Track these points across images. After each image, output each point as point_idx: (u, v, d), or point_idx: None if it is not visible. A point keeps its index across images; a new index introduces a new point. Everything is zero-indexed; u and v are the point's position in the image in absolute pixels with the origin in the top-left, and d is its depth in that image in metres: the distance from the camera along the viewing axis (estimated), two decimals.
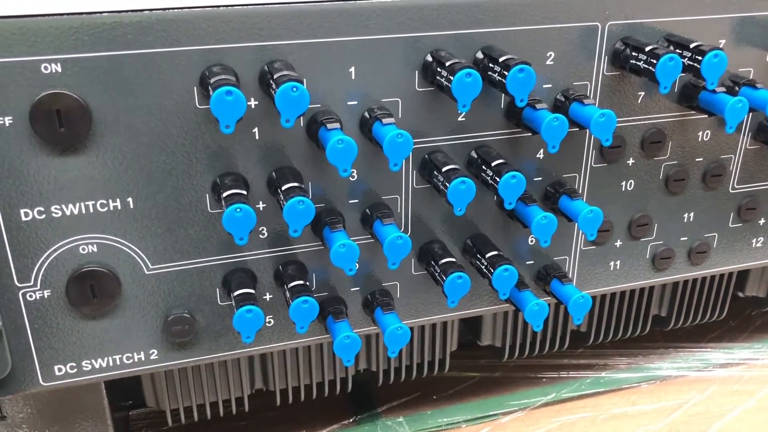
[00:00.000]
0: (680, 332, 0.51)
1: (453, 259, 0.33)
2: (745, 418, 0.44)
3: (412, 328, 0.39)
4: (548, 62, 0.32)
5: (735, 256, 0.40)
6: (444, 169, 0.30)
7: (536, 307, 0.33)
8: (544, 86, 0.33)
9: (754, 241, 0.40)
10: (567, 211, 0.34)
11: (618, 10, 0.32)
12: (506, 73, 0.28)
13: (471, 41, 0.31)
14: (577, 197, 0.33)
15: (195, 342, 0.33)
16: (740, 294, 0.48)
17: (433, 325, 0.40)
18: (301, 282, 0.31)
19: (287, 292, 0.31)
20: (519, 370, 0.48)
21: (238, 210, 0.27)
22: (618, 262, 0.38)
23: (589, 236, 0.33)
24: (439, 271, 0.32)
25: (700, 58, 0.31)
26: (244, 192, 0.28)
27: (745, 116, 0.36)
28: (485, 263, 0.33)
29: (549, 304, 0.40)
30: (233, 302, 0.30)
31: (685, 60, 0.32)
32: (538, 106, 0.31)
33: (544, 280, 0.36)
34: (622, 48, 0.32)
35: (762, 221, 0.40)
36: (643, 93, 0.34)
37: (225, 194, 0.28)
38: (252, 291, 0.31)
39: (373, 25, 0.29)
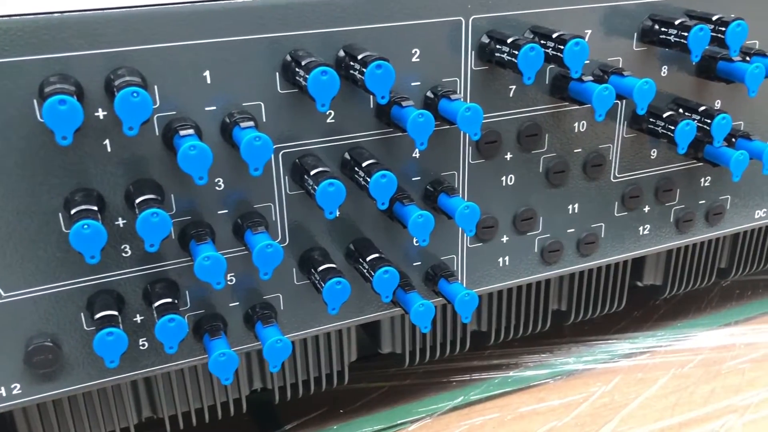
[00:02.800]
0: (587, 326, 0.51)
1: (332, 265, 0.32)
2: (648, 405, 0.44)
3: (305, 340, 0.38)
4: (414, 59, 0.32)
5: (624, 245, 0.41)
6: (313, 173, 0.30)
7: (421, 308, 0.33)
8: (413, 84, 0.32)
9: (641, 228, 0.41)
10: (446, 209, 0.33)
11: (480, 3, 0.32)
12: (365, 70, 0.28)
13: (333, 40, 0.30)
14: (454, 194, 0.33)
15: (63, 372, 0.31)
16: (639, 283, 0.49)
17: (328, 336, 0.39)
18: (169, 300, 0.29)
19: (154, 312, 0.29)
20: (428, 376, 0.47)
21: (86, 227, 0.25)
22: (507, 258, 0.38)
23: (468, 232, 0.32)
24: (318, 278, 0.31)
25: (562, 47, 0.31)
26: (94, 208, 0.27)
27: (613, 104, 0.37)
28: (366, 267, 0.32)
29: (443, 306, 0.40)
30: (95, 326, 0.28)
31: (548, 50, 0.32)
32: (404, 103, 0.30)
33: (432, 280, 0.36)
34: (488, 41, 0.32)
35: (647, 209, 0.40)
36: (514, 86, 0.34)
37: (73, 211, 0.27)
38: (115, 313, 0.29)
39: (225, 28, 0.28)
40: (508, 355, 0.49)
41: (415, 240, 0.35)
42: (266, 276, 0.29)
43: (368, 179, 0.30)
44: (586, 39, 0.35)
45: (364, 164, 0.30)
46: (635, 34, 0.36)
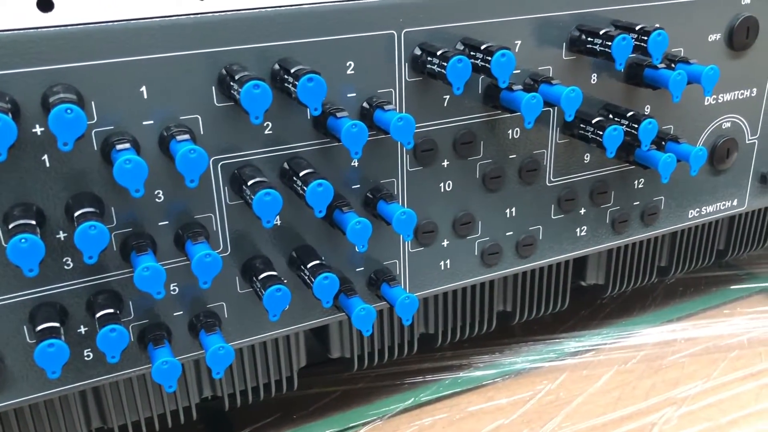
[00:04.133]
0: (536, 325, 0.53)
1: (273, 273, 0.33)
2: (592, 401, 0.45)
3: (253, 347, 0.39)
4: (349, 71, 0.33)
5: (562, 246, 0.42)
6: (250, 183, 0.30)
7: (363, 312, 0.34)
8: (349, 95, 0.33)
9: (578, 230, 0.42)
10: (384, 215, 0.34)
11: (411, 17, 0.33)
12: (297, 83, 0.29)
13: (269, 54, 0.31)
14: (393, 201, 0.34)
15: (7, 385, 0.31)
16: (582, 283, 0.51)
17: (276, 342, 0.39)
18: (111, 311, 0.30)
19: (96, 322, 0.30)
20: (380, 379, 0.48)
21: (23, 240, 0.26)
22: (448, 261, 0.39)
23: (406, 237, 0.33)
24: (259, 286, 0.32)
25: (489, 58, 0.32)
26: (33, 222, 0.27)
27: (546, 111, 0.38)
28: (307, 273, 0.33)
29: (390, 309, 0.41)
30: (36, 338, 0.29)
31: (477, 61, 0.33)
32: (339, 114, 0.31)
33: (375, 284, 0.37)
34: (420, 54, 0.34)
35: (583, 211, 0.42)
36: (448, 96, 0.36)
37: (11, 226, 0.27)
38: (56, 325, 0.29)
39: (161, 44, 0.29)
40: (459, 356, 0.50)
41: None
42: (206, 285, 0.30)
43: (305, 188, 0.31)
44: (516, 49, 0.36)
45: (301, 174, 0.31)
46: (564, 44, 0.37)
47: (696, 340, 0.51)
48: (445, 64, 0.32)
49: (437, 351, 0.50)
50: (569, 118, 0.35)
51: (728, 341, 0.51)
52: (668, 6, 0.40)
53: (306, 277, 0.33)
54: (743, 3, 0.42)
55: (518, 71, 0.37)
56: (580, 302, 0.55)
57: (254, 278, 0.33)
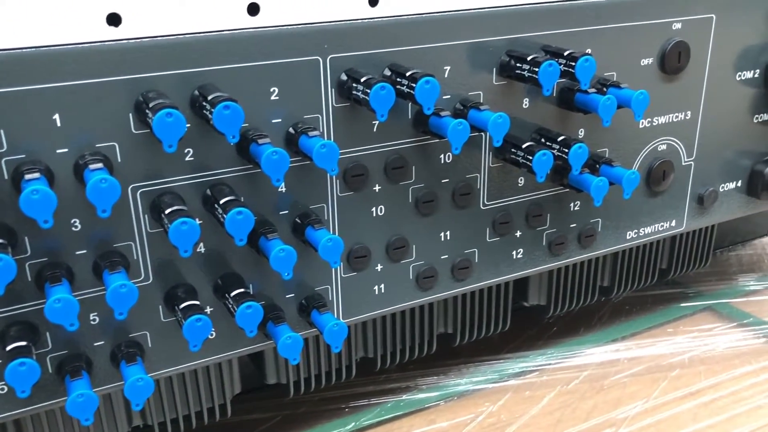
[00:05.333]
0: (482, 346, 0.53)
1: (194, 302, 0.32)
2: (533, 423, 0.45)
3: (183, 375, 0.38)
4: (273, 97, 0.33)
5: (498, 268, 0.42)
6: (167, 211, 0.30)
7: (289, 340, 0.33)
8: (273, 121, 0.33)
9: (514, 253, 0.42)
10: (312, 242, 0.34)
11: (337, 43, 0.33)
12: (213, 110, 0.28)
13: (190, 80, 0.31)
14: (320, 227, 0.34)
15: None
16: (525, 304, 0.51)
17: (208, 370, 0.39)
18: (22, 343, 0.29)
19: (6, 356, 0.29)
20: (324, 403, 0.48)
21: None
22: (382, 286, 0.39)
23: (333, 264, 0.33)
24: (180, 315, 0.32)
25: (414, 85, 0.32)
26: None
27: (478, 135, 0.38)
28: (231, 302, 0.33)
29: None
30: None
31: (403, 88, 0.33)
32: (260, 141, 0.31)
33: (306, 311, 0.36)
34: (346, 79, 0.33)
35: (518, 233, 0.42)
36: (377, 122, 0.35)
37: None
38: None
39: (74, 71, 0.28)
40: (405, 378, 0.50)
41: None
42: (121, 316, 0.29)
43: (225, 216, 0.30)
44: (446, 75, 0.36)
45: (222, 201, 0.31)
46: (494, 69, 0.37)
47: (639, 359, 0.51)
48: (369, 91, 0.31)
49: (383, 373, 0.50)
50: (497, 144, 0.35)
51: (670, 360, 0.51)
52: (601, 31, 0.40)
53: (230, 306, 0.33)
54: (674, 28, 0.42)
55: (448, 96, 0.37)
56: (526, 321, 0.55)
57: (176, 307, 0.32)
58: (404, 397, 0.48)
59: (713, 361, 0.50)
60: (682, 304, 0.58)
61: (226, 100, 0.28)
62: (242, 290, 0.33)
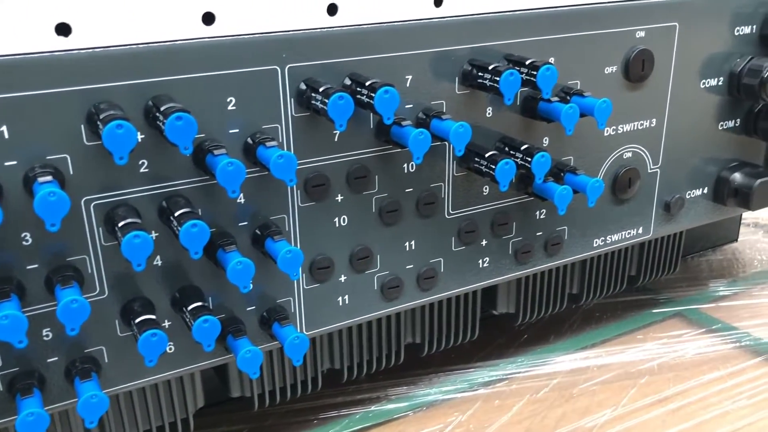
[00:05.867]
0: (452, 354, 0.52)
1: (149, 317, 0.31)
2: None
3: (144, 389, 0.37)
4: (230, 107, 0.32)
5: (465, 277, 0.42)
6: (120, 224, 0.29)
7: (248, 354, 0.33)
8: (231, 131, 0.32)
9: (480, 261, 0.42)
10: (272, 253, 0.33)
11: (295, 52, 0.33)
12: (165, 121, 0.28)
13: (144, 91, 0.30)
14: (280, 239, 0.33)
15: None
16: (494, 312, 0.51)
17: (169, 384, 0.38)
18: None
19: None
20: (292, 415, 0.47)
21: None
22: (346, 297, 0.38)
23: (292, 276, 0.33)
24: (135, 330, 0.31)
25: (373, 94, 0.32)
26: None
27: (442, 144, 0.38)
28: (188, 316, 0.32)
29: None
30: None
31: (363, 97, 0.33)
32: (216, 152, 0.30)
33: (267, 324, 0.36)
34: (305, 89, 0.33)
35: (484, 242, 0.42)
36: (338, 131, 0.35)
37: None
38: None
39: (22, 82, 0.28)
40: (373, 389, 0.50)
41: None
42: (74, 332, 0.28)
43: (179, 229, 0.30)
44: (407, 84, 0.36)
45: (176, 213, 0.30)
46: (457, 78, 0.37)
47: (608, 366, 0.51)
48: (327, 100, 0.31)
49: (352, 384, 0.49)
50: (459, 153, 0.35)
51: (639, 367, 0.51)
52: (564, 39, 0.40)
53: (187, 320, 0.32)
54: (638, 36, 0.42)
55: (410, 105, 0.36)
56: (497, 329, 0.55)
57: (132, 322, 0.32)
58: (373, 408, 0.48)
59: (682, 368, 0.51)
60: (653, 311, 0.59)
61: (178, 111, 0.28)
62: (200, 303, 0.32)
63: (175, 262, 0.33)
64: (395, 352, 0.45)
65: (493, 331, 0.54)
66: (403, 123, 0.34)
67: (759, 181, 0.49)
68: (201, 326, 0.31)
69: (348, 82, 0.34)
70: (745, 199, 0.49)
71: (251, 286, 0.32)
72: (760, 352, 0.52)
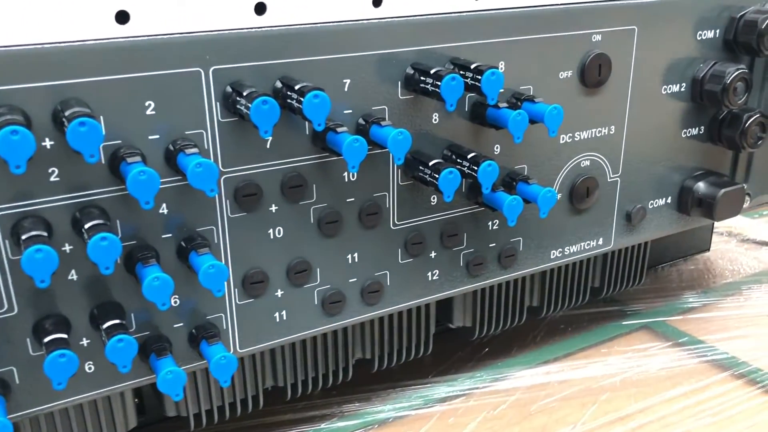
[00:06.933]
0: (411, 368, 0.50)
1: (60, 336, 0.29)
2: None
3: (67, 410, 0.35)
4: (149, 112, 0.30)
5: (413, 291, 0.40)
6: (24, 237, 0.27)
7: (169, 375, 0.31)
8: (150, 137, 0.30)
9: (429, 274, 0.40)
10: (194, 268, 0.31)
11: (220, 54, 0.31)
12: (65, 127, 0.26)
13: (54, 94, 0.28)
14: (204, 252, 0.31)
15: None
16: (450, 325, 0.49)
17: (95, 404, 0.36)
18: None
19: None
20: None
21: None
22: (284, 313, 0.36)
23: (216, 293, 0.31)
24: (44, 350, 0.29)
25: (302, 99, 0.30)
26: None
27: (383, 152, 0.36)
28: (104, 335, 0.30)
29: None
30: None
31: (293, 102, 0.31)
32: (130, 159, 0.28)
33: (195, 341, 0.34)
34: (231, 93, 0.31)
35: (433, 254, 0.40)
36: (270, 138, 0.33)
37: None
38: None
39: None
40: (325, 405, 0.48)
41: (173, 300, 0.33)
42: None
43: (87, 242, 0.28)
44: (345, 89, 0.34)
45: (87, 225, 0.28)
46: (400, 82, 0.35)
47: (570, 382, 0.50)
48: (250, 105, 0.29)
49: (303, 400, 0.47)
50: (398, 162, 0.33)
51: (601, 383, 0.49)
52: (515, 42, 0.38)
53: (102, 339, 0.30)
54: (594, 40, 0.41)
55: (350, 111, 0.35)
56: (457, 342, 0.53)
57: (43, 342, 0.29)
58: (323, 426, 0.46)
59: (645, 384, 0.49)
60: (620, 323, 0.57)
61: (81, 116, 0.26)
62: (116, 321, 0.30)
63: (94, 277, 0.31)
64: (342, 368, 0.43)
65: (452, 344, 0.52)
66: (339, 129, 0.32)
67: (723, 191, 0.47)
68: (115, 346, 0.29)
69: (279, 85, 0.32)
70: (709, 209, 0.47)
71: (170, 303, 0.30)
72: (726, 367, 0.50)
